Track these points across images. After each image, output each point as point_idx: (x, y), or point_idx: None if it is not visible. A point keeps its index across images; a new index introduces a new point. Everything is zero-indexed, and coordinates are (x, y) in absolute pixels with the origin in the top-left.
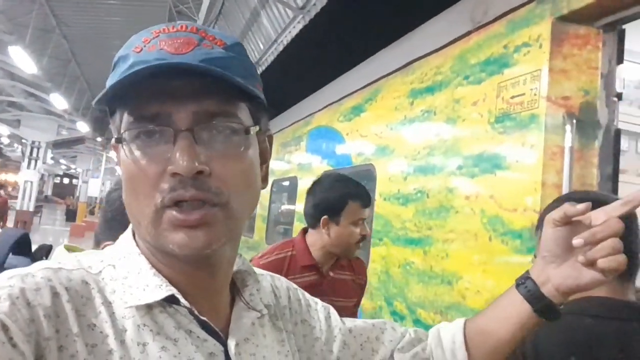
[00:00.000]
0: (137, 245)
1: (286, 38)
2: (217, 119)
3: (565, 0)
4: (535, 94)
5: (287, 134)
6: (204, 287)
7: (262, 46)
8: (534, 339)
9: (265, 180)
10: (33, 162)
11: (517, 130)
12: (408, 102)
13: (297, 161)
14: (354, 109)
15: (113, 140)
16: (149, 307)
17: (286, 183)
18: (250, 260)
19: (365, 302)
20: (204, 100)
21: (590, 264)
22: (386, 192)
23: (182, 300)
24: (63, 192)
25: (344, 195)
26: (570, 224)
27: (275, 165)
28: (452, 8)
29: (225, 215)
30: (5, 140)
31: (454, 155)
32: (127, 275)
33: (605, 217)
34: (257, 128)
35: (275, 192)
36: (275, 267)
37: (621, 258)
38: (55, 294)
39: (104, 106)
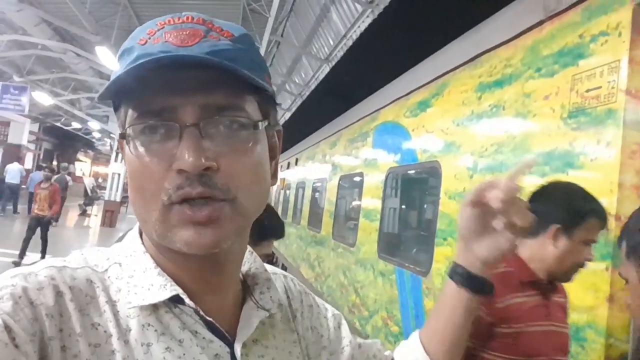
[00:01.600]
0: (143, 243)
1: (355, 33)
2: (224, 113)
3: None
4: (613, 87)
5: (355, 129)
6: (211, 286)
7: (331, 42)
8: None
9: (274, 176)
10: (120, 155)
11: (592, 126)
12: (476, 96)
13: (363, 157)
14: (420, 104)
15: (117, 136)
16: (154, 307)
17: (352, 179)
18: None
19: (429, 304)
20: (211, 94)
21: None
22: (452, 190)
23: (187, 300)
24: None
25: (589, 208)
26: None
27: (343, 161)
28: None
29: (233, 212)
30: (97, 135)
31: (524, 153)
32: (132, 274)
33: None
34: (266, 123)
35: (342, 188)
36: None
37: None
38: (58, 293)
39: (109, 101)
